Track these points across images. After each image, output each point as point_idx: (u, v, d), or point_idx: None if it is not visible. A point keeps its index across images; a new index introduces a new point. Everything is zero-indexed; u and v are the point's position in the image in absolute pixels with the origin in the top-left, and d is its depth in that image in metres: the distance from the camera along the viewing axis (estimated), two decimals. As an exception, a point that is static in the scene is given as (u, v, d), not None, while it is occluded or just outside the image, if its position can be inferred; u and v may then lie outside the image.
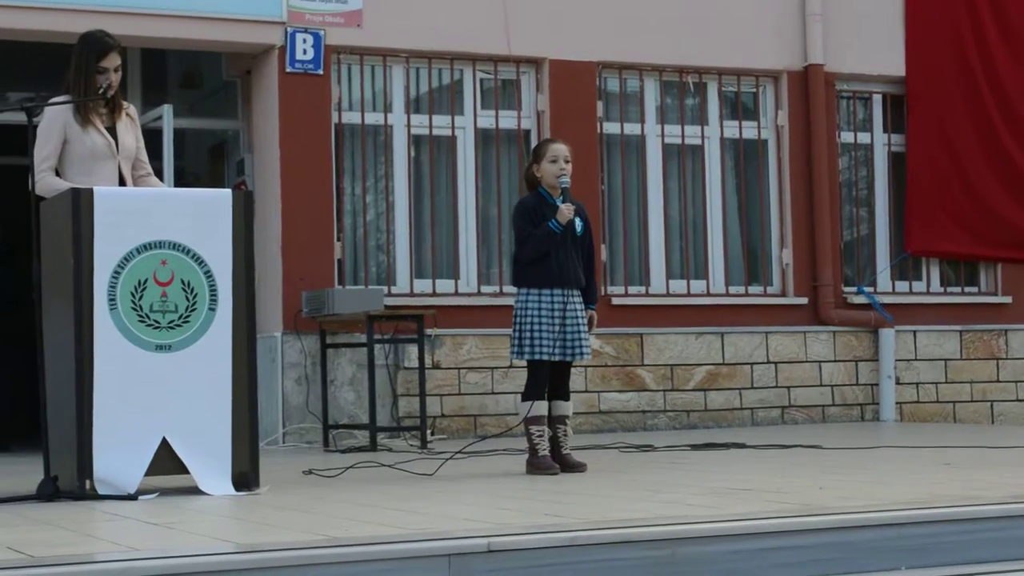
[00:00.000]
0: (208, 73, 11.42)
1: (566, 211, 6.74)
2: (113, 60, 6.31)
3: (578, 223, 6.91)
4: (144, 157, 6.61)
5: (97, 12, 9.13)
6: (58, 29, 9.02)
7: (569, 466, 6.80)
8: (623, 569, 4.30)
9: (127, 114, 6.53)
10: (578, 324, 6.87)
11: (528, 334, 6.82)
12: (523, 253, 6.84)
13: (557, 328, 6.80)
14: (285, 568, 3.99)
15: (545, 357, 6.80)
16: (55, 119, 6.30)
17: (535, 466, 6.75)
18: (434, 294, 10.39)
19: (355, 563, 4.06)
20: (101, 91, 6.22)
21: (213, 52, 10.66)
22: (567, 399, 7.01)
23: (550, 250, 6.80)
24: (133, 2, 9.53)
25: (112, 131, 6.43)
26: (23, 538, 4.47)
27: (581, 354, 6.91)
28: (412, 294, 10.33)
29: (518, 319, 6.86)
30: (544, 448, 6.80)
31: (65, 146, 6.31)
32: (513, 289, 7.08)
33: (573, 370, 7.16)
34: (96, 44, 6.34)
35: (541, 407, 6.85)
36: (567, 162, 6.89)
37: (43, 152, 6.26)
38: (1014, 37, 11.74)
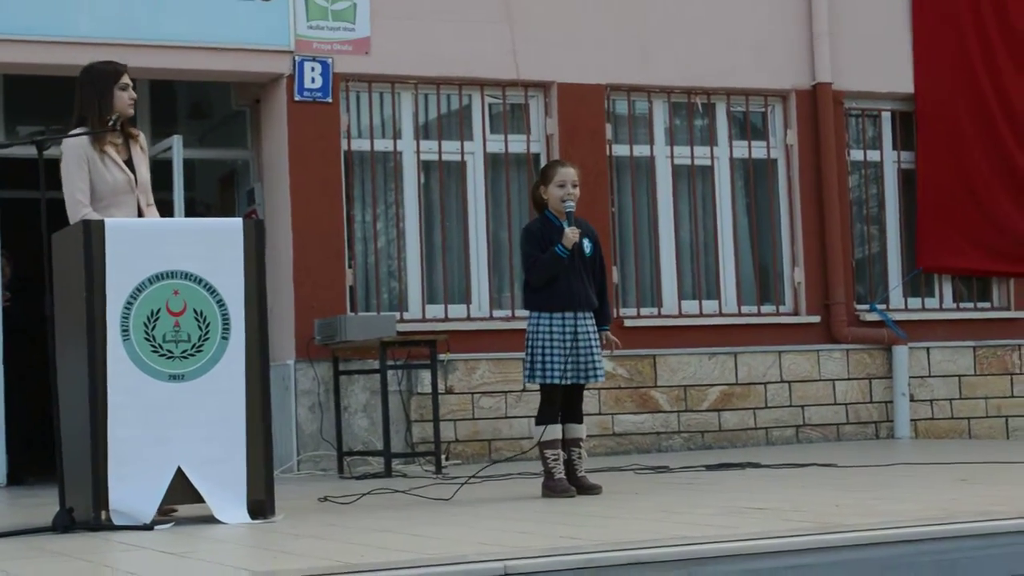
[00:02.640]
0: (217, 103, 11.52)
1: (571, 235, 6.77)
2: (128, 79, 6.41)
3: (587, 244, 6.95)
4: (149, 188, 6.66)
5: (104, 44, 9.20)
6: (66, 62, 9.06)
7: (584, 488, 6.82)
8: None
9: (139, 145, 6.59)
10: (591, 346, 6.90)
11: (540, 358, 6.86)
12: (531, 278, 6.90)
13: (568, 351, 6.83)
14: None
15: (557, 381, 6.83)
16: (78, 154, 6.36)
17: (551, 489, 6.77)
18: (446, 319, 10.44)
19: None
20: (114, 119, 6.27)
21: (221, 82, 10.74)
22: (580, 421, 7.03)
23: (559, 273, 6.84)
24: (140, 34, 9.60)
25: (129, 163, 6.49)
26: (41, 570, 4.49)
27: (595, 376, 6.93)
28: (424, 319, 10.38)
29: (530, 343, 6.91)
30: (559, 471, 6.83)
31: (88, 181, 6.37)
32: (525, 312, 7.10)
33: (587, 392, 7.18)
34: (109, 67, 6.44)
35: (555, 431, 6.88)
36: (575, 186, 6.93)
37: (78, 186, 6.34)
38: (1020, 50, 11.79)
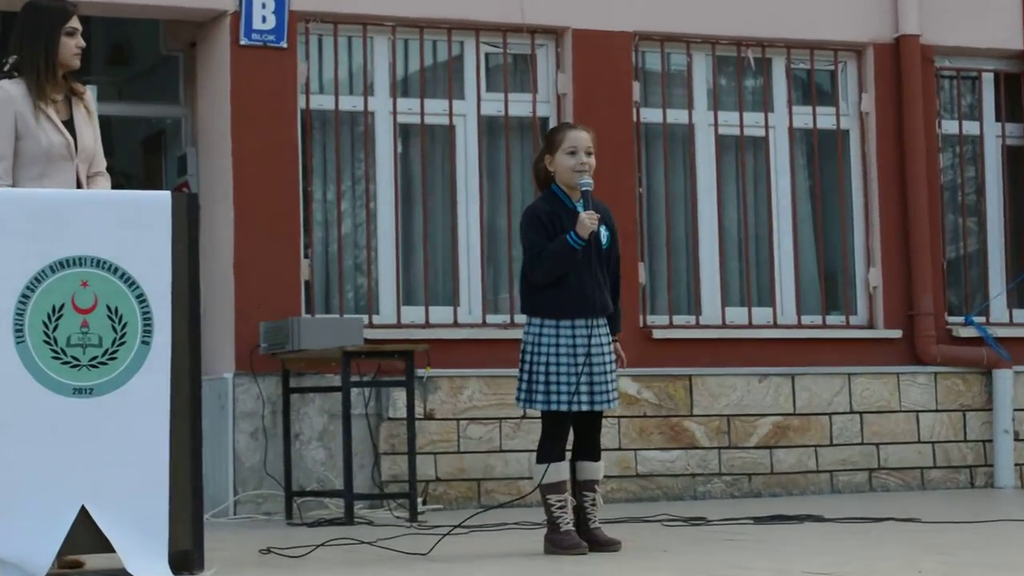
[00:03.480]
0: (141, 47, 11.93)
1: (588, 221, 6.89)
2: (77, 23, 6.75)
3: (603, 233, 7.08)
4: (101, 154, 6.99)
5: None
6: None
7: (599, 544, 6.98)
8: None
9: (84, 104, 6.92)
10: (605, 363, 7.07)
11: (542, 377, 7.02)
12: (535, 274, 7.04)
13: (582, 369, 6.98)
14: None
15: (564, 407, 6.99)
16: (4, 108, 6.64)
17: (556, 544, 6.94)
18: (427, 325, 10.74)
19: None
20: (66, 62, 6.71)
21: (148, 20, 11.06)
22: (597, 459, 7.19)
23: (570, 270, 7.00)
24: None
25: (70, 125, 6.78)
26: None
27: (610, 402, 7.13)
28: (399, 325, 10.69)
29: (528, 356, 7.06)
30: (567, 522, 6.98)
31: (16, 143, 6.66)
32: (524, 318, 7.24)
33: (603, 421, 7.35)
34: (56, 4, 6.73)
35: (561, 470, 7.02)
36: (588, 154, 7.06)
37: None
38: None
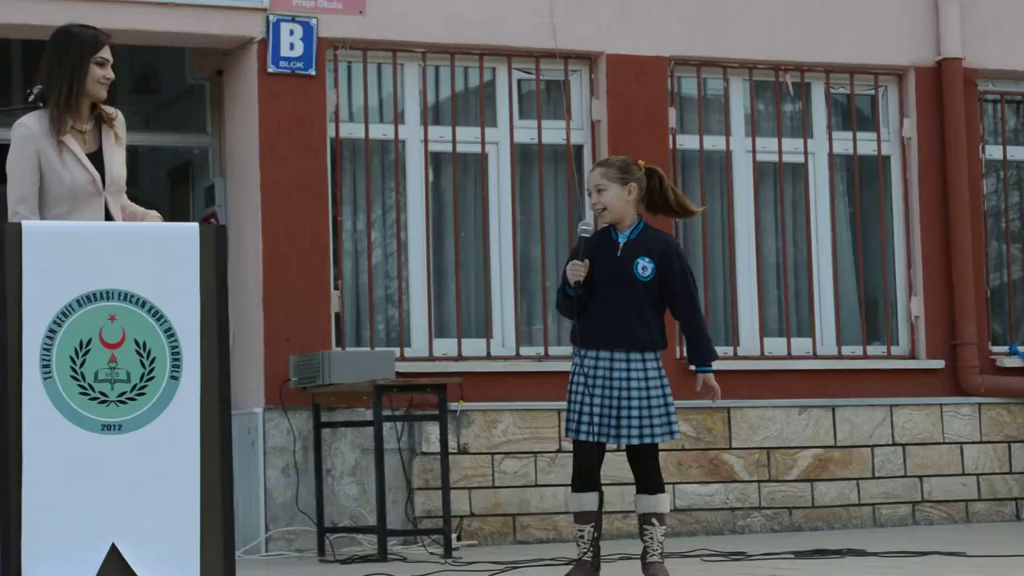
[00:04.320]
0: (167, 75, 12.24)
1: (571, 270, 7.29)
2: (108, 54, 6.86)
3: (643, 265, 7.39)
4: (123, 183, 7.10)
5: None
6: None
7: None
8: None
9: (115, 131, 6.98)
10: (630, 397, 7.35)
11: (572, 407, 7.46)
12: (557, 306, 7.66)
13: (599, 401, 7.37)
14: None
15: (583, 437, 7.34)
16: (25, 146, 6.74)
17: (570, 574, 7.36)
18: (460, 358, 10.95)
19: None
20: (94, 93, 6.76)
21: (175, 48, 11.30)
22: (652, 492, 7.50)
23: (590, 299, 7.39)
24: None
25: (98, 156, 6.86)
26: None
27: (631, 437, 7.41)
28: (431, 358, 10.91)
29: (569, 385, 7.49)
30: (582, 552, 7.36)
31: (40, 181, 6.78)
32: (559, 350, 7.40)
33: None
34: (88, 32, 6.80)
35: (583, 500, 7.43)
36: (599, 191, 7.43)
37: (19, 191, 6.72)
38: None
